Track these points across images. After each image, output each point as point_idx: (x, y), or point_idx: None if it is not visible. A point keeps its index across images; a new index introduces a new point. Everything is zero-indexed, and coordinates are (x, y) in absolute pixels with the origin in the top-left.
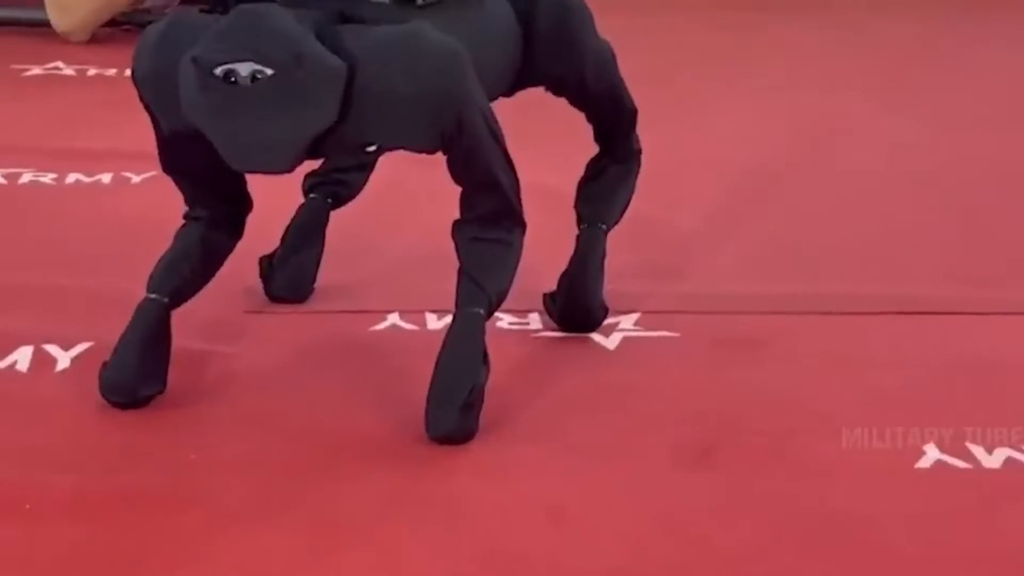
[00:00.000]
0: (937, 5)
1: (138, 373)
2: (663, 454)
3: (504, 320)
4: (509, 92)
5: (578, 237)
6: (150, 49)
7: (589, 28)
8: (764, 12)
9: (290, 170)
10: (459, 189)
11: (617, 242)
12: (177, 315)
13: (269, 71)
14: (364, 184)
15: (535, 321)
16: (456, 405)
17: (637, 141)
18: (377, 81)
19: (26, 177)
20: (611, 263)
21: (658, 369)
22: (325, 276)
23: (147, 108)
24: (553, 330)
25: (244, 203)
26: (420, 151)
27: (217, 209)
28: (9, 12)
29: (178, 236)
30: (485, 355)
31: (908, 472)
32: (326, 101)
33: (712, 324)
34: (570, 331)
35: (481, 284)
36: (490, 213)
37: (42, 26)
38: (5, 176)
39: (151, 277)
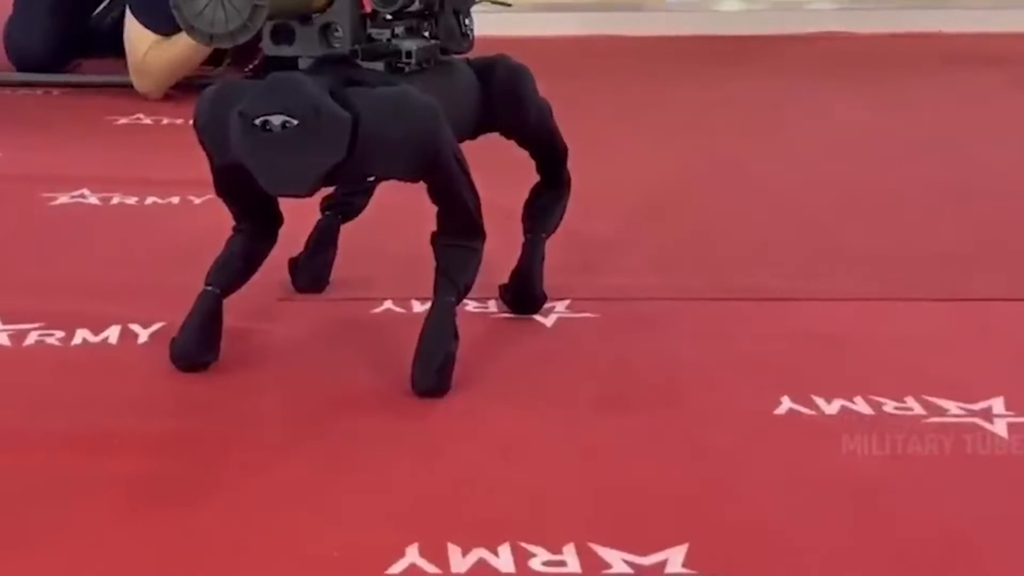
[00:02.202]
0: (793, 68)
1: (198, 345)
2: (586, 403)
3: (470, 305)
4: (472, 136)
5: (524, 243)
6: (207, 105)
7: (532, 89)
8: (657, 78)
9: (311, 194)
10: (435, 208)
11: (553, 247)
12: (227, 301)
13: (295, 121)
14: (366, 205)
15: (492, 306)
16: (434, 368)
17: (567, 172)
18: (375, 129)
19: (115, 199)
20: (548, 263)
21: (583, 341)
22: (337, 272)
23: (204, 148)
24: (505, 313)
25: (277, 219)
26: (406, 180)
27: (256, 223)
28: (102, 77)
29: (228, 243)
30: (455, 331)
31: (769, 416)
32: (337, 143)
33: (624, 307)
34: (518, 313)
35: (452, 278)
36: (459, 226)
37: (127, 87)
38: (100, 199)
39: (208, 273)
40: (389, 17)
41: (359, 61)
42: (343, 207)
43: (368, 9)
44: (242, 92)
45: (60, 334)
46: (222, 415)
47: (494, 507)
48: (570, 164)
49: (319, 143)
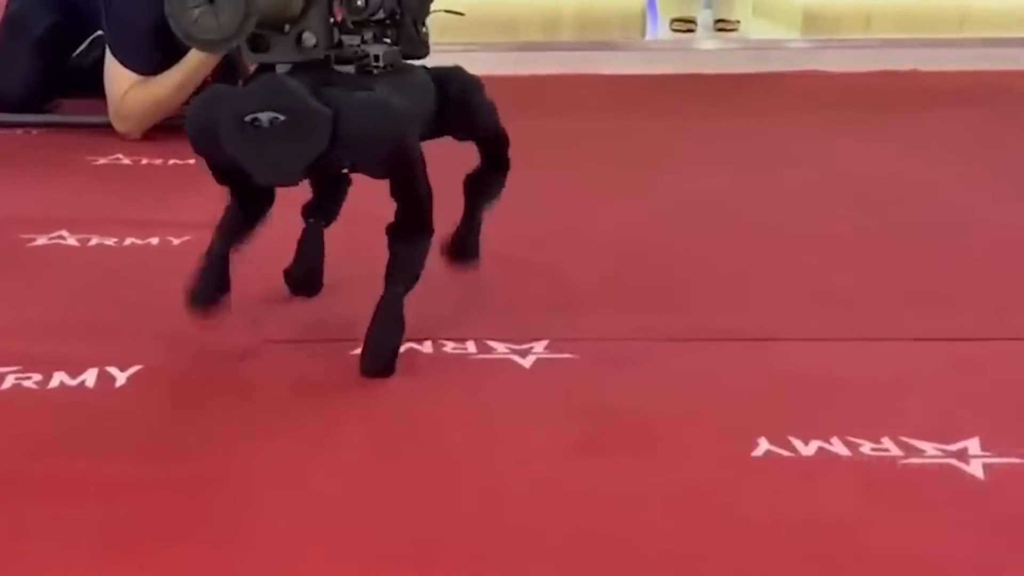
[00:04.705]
0: (770, 107)
1: (212, 286)
2: (564, 445)
3: (448, 346)
4: (427, 138)
5: (465, 213)
6: (198, 111)
7: (483, 97)
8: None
9: (296, 183)
10: None
11: (531, 286)
12: (213, 343)
13: (283, 117)
14: (340, 207)
15: (471, 347)
16: (382, 355)
17: (508, 158)
18: (354, 125)
19: (94, 241)
20: (526, 299)
21: (561, 382)
22: (322, 312)
23: (199, 152)
24: (484, 354)
25: (268, 199)
26: (373, 175)
27: (249, 202)
28: (81, 117)
29: (225, 212)
30: (403, 320)
31: (746, 458)
32: (320, 136)
33: (601, 348)
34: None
35: (402, 270)
36: (413, 222)
37: (107, 127)
38: (78, 240)
39: (212, 240)
40: (356, 25)
41: (333, 65)
42: (323, 214)
43: (339, 18)
44: (231, 95)
45: (37, 377)
46: (201, 460)
47: (473, 550)
48: (549, 203)
49: (304, 136)
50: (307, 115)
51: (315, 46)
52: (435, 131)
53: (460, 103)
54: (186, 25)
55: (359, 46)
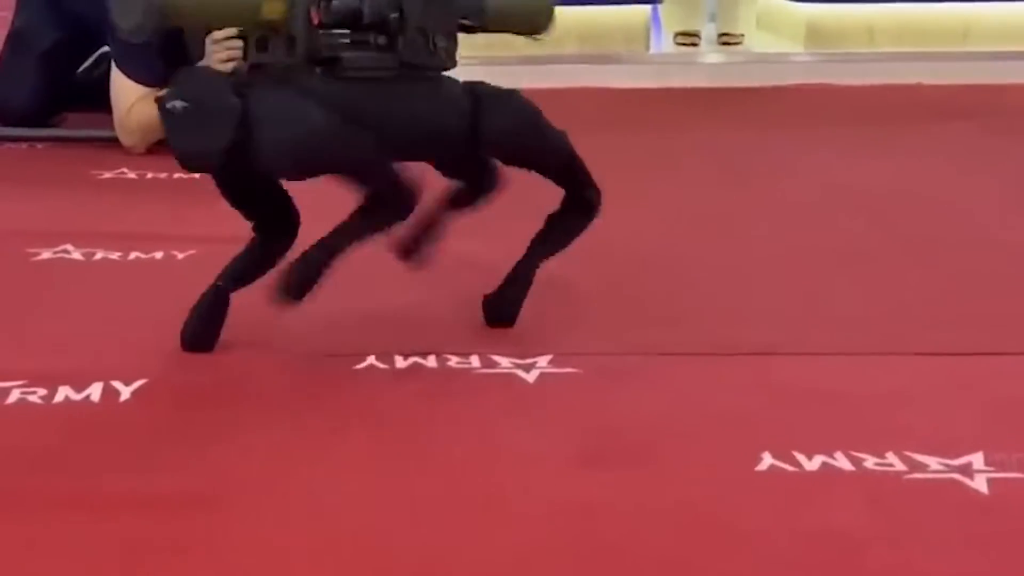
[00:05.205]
0: (773, 120)
1: (201, 334)
2: (567, 459)
3: (452, 360)
4: (435, 156)
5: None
6: None
7: (524, 117)
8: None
9: (213, 171)
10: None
11: (534, 300)
12: (211, 357)
13: (191, 106)
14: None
15: (475, 361)
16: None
17: (583, 197)
18: (260, 125)
19: (98, 255)
20: (530, 313)
21: (565, 396)
22: (321, 327)
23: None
24: (488, 368)
25: (288, 219)
26: (278, 176)
27: (267, 227)
28: (86, 131)
29: (248, 243)
30: None
31: (750, 473)
32: (223, 128)
33: (605, 362)
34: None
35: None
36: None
37: (112, 141)
38: (83, 254)
39: (223, 270)
40: (330, 28)
41: (314, 67)
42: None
43: (315, 21)
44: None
45: (42, 392)
46: (206, 475)
47: (475, 563)
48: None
49: (209, 126)
50: (211, 107)
51: (295, 49)
52: (463, 150)
53: (491, 126)
54: (116, 15)
55: (332, 49)
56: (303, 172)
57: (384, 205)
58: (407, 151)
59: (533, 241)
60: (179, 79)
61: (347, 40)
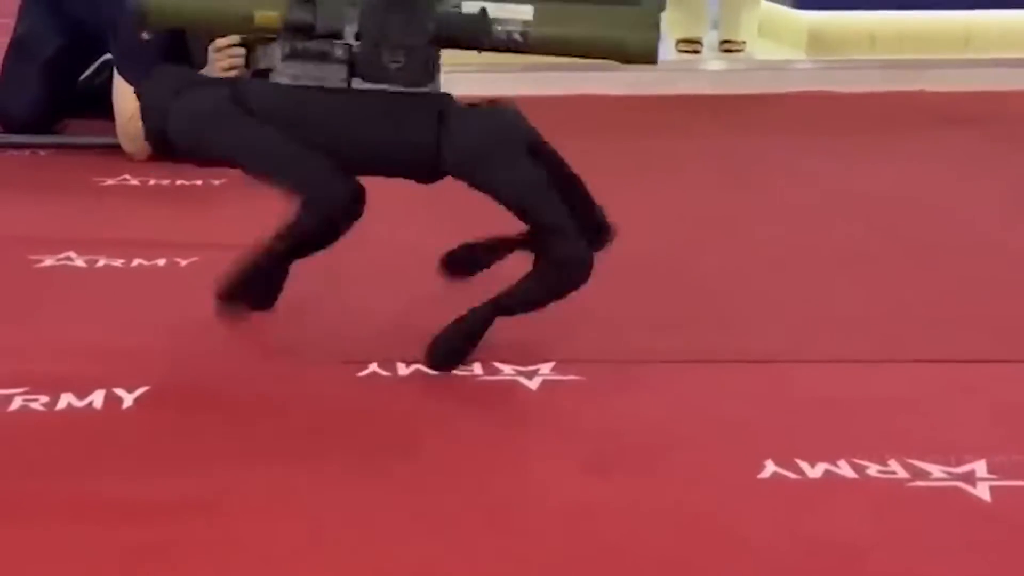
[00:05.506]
0: (776, 127)
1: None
2: (570, 466)
3: (457, 368)
4: (386, 173)
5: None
6: None
7: (495, 145)
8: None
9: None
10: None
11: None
12: (215, 366)
13: (144, 101)
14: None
15: (478, 368)
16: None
17: (555, 252)
18: (173, 120)
19: (101, 262)
20: (533, 320)
21: (568, 403)
22: (323, 334)
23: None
24: (491, 375)
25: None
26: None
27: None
28: (89, 139)
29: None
30: None
31: (753, 480)
32: (153, 123)
33: (608, 369)
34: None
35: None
36: None
37: (114, 148)
38: (86, 262)
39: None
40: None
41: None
42: None
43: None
44: None
45: (45, 399)
46: (208, 482)
47: (477, 569)
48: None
49: (148, 118)
50: (144, 101)
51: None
52: (428, 168)
53: (452, 145)
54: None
55: (274, 61)
56: (196, 152)
57: (307, 210)
58: (364, 165)
59: (500, 291)
60: (153, 77)
61: (300, 49)
